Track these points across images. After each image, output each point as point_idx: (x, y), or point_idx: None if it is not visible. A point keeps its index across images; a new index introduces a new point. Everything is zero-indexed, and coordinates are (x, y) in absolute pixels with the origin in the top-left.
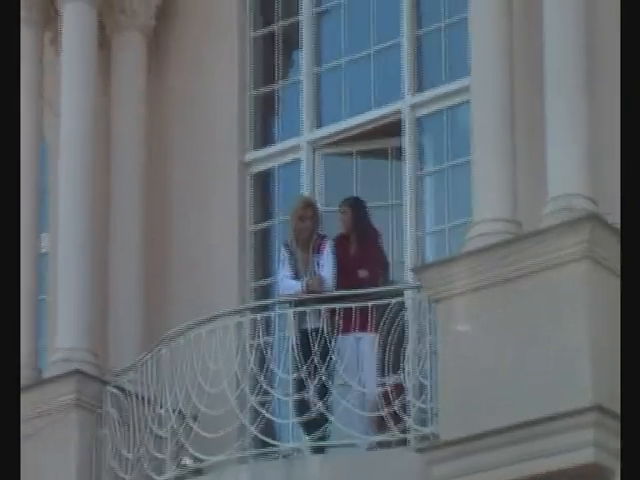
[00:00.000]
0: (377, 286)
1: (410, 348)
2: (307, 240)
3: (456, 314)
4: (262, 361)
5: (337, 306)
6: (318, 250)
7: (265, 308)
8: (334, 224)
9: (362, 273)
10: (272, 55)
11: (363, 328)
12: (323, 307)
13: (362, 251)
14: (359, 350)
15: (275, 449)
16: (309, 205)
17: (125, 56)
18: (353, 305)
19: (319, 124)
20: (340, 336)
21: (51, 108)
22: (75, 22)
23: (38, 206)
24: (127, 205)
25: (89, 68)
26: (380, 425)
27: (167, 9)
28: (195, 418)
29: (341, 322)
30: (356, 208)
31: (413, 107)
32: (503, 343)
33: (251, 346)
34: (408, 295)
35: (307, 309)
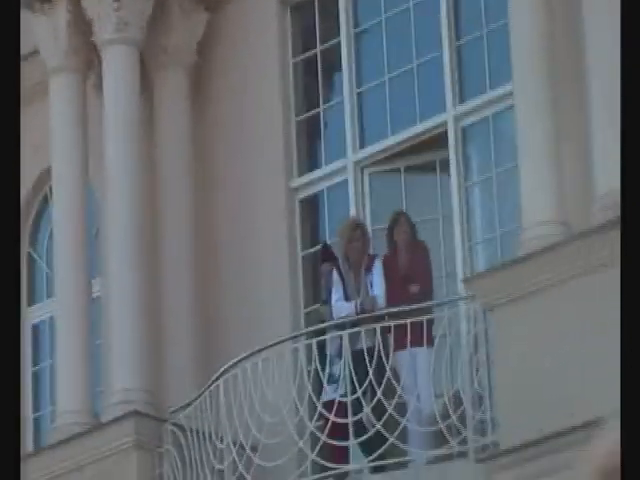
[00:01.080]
0: (429, 300)
1: (465, 359)
2: (358, 261)
3: (511, 321)
4: (319, 386)
5: (392, 323)
6: (369, 270)
7: (320, 332)
8: (384, 242)
9: (413, 288)
10: (314, 79)
11: (418, 343)
12: (378, 326)
13: (412, 266)
14: (416, 365)
15: (335, 472)
16: (357, 226)
17: (168, 94)
18: (407, 321)
19: (364, 143)
20: (395, 353)
21: (97, 151)
22: (116, 64)
23: (88, 252)
24: (177, 241)
25: (132, 109)
26: (439, 438)
27: (208, 43)
28: (255, 449)
29: (396, 339)
30: (404, 224)
31: (457, 118)
32: (559, 347)
33: (308, 372)
34: (461, 306)
35: (362, 329)
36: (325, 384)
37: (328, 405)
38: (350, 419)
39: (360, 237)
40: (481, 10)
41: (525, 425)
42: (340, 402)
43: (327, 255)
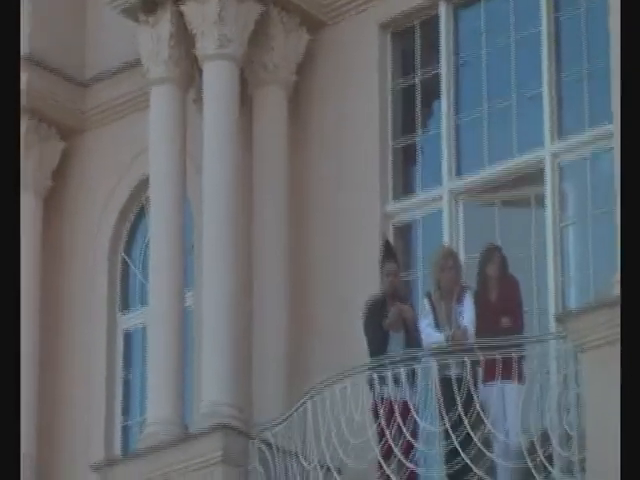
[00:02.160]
0: (520, 334)
1: (555, 398)
2: (449, 291)
3: (603, 364)
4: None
5: (482, 356)
6: (460, 300)
7: (409, 359)
8: (475, 273)
9: (505, 322)
10: (412, 106)
11: (507, 377)
12: (467, 358)
13: (504, 299)
14: (504, 400)
15: None
16: (450, 255)
17: (267, 111)
18: (497, 355)
19: (460, 173)
20: (484, 385)
21: (194, 165)
22: (217, 79)
23: (183, 264)
24: (270, 258)
25: (231, 125)
26: (525, 475)
27: (307, 64)
28: (339, 472)
29: (485, 371)
30: (497, 257)
31: (555, 154)
32: None
33: (394, 399)
34: (552, 344)
35: (451, 360)
36: (415, 415)
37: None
38: (438, 449)
39: (452, 266)
40: (582, 48)
41: (612, 469)
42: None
43: (388, 253)
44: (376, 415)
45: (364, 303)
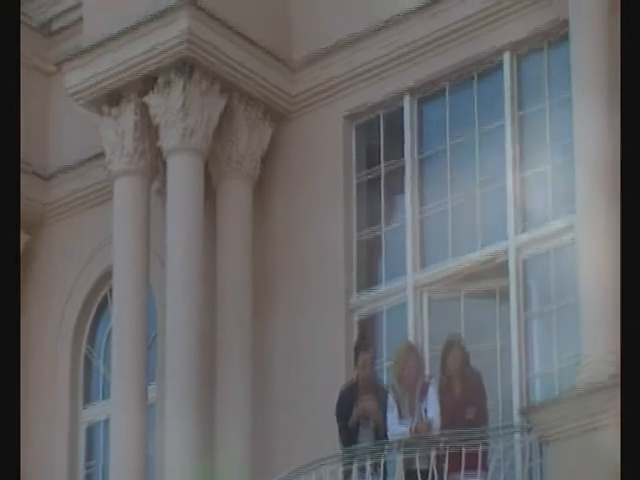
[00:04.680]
0: (483, 426)
1: None
2: (412, 385)
3: (568, 457)
4: None
5: (448, 449)
6: (423, 393)
7: (375, 453)
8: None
9: (470, 413)
10: (376, 200)
11: (472, 469)
12: (433, 451)
13: (467, 392)
14: None
15: None
16: (412, 351)
17: (230, 204)
18: (463, 449)
19: (424, 265)
20: (449, 477)
21: (157, 256)
22: (181, 172)
23: (145, 356)
24: (234, 350)
25: (195, 217)
26: None
27: (272, 156)
28: None
29: (449, 464)
30: (458, 350)
31: (518, 248)
32: None
33: None
34: (517, 437)
35: (417, 454)
36: None
37: None
38: None
39: (414, 361)
40: (547, 141)
41: None
42: None
43: (362, 343)
44: None
45: (339, 390)
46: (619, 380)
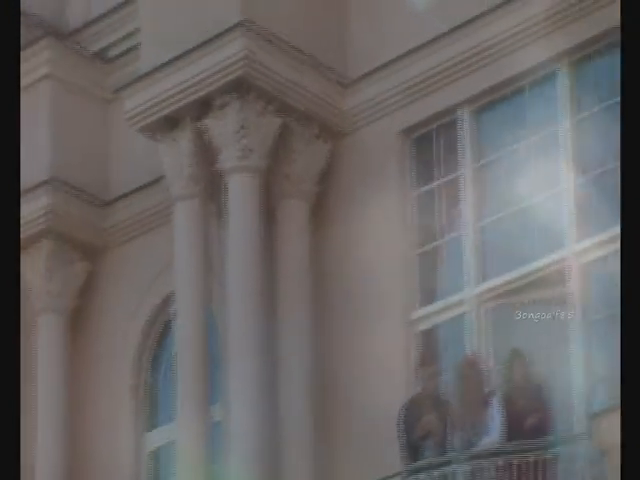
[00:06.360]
0: (548, 436)
1: None
2: (475, 399)
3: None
4: None
5: (515, 460)
6: (487, 406)
7: (438, 466)
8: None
9: (530, 424)
10: (434, 211)
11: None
12: (497, 461)
13: (531, 404)
14: None
15: None
16: (473, 365)
17: (290, 221)
18: (531, 459)
19: (485, 277)
20: None
21: (217, 278)
22: (241, 192)
23: (208, 377)
24: (296, 370)
25: (255, 237)
26: None
27: (329, 172)
28: None
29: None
30: (521, 363)
31: (578, 255)
32: None
33: None
34: (580, 444)
35: (482, 463)
36: None
37: None
38: None
39: (476, 375)
40: (601, 145)
41: None
42: None
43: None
44: None
45: (400, 406)
46: None
